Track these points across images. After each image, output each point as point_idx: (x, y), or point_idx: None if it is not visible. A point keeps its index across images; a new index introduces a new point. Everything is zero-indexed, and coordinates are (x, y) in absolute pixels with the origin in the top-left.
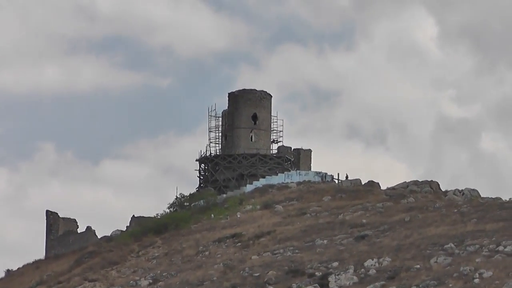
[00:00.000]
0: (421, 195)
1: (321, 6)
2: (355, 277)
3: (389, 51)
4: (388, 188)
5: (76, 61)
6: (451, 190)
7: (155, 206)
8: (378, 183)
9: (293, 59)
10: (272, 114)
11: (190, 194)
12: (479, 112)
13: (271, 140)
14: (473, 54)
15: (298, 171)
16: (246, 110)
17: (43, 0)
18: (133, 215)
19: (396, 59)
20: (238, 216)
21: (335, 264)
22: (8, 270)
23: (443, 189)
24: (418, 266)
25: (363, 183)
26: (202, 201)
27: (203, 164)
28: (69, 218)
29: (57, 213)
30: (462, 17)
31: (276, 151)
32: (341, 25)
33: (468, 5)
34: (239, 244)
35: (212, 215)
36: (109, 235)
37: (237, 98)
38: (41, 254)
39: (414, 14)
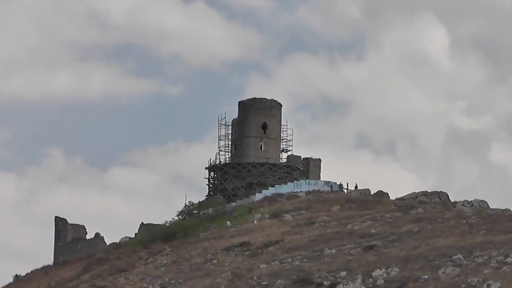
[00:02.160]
0: (430, 206)
1: (331, 16)
2: (363, 287)
3: (399, 61)
4: (397, 199)
5: (87, 68)
6: (460, 201)
7: (164, 214)
8: (387, 193)
9: (303, 69)
10: (282, 123)
11: (199, 202)
12: (489, 124)
13: (281, 149)
14: (484, 65)
15: (307, 181)
16: (256, 119)
17: (57, 6)
18: (142, 222)
19: (407, 70)
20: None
21: (343, 273)
22: (16, 276)
23: (452, 200)
24: (426, 276)
25: (372, 193)
26: (211, 209)
27: (212, 172)
28: (78, 225)
29: (65, 219)
30: (473, 28)
31: (285, 160)
32: (351, 35)
33: (479, 15)
34: (248, 252)
35: (228, 222)
36: (118, 242)
37: (247, 107)
38: (49, 260)
39: (425, 24)
